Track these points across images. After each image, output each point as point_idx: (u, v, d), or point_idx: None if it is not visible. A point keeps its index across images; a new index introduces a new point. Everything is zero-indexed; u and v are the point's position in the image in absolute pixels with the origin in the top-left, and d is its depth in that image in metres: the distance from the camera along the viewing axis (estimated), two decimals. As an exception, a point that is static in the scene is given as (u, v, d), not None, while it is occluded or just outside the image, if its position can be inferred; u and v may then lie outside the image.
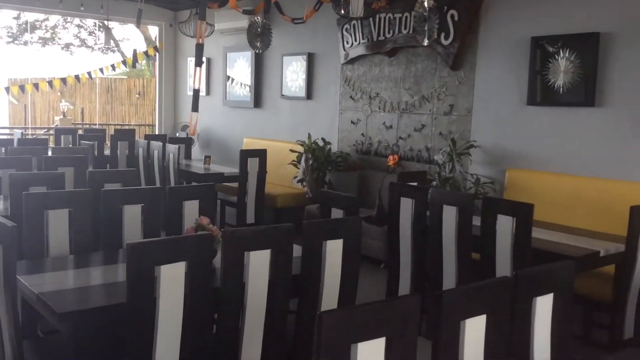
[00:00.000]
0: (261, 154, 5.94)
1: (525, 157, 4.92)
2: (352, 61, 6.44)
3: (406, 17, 5.67)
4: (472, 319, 1.78)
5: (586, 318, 3.75)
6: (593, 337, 3.73)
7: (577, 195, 4.43)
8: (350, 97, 6.51)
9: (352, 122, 6.51)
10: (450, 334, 1.74)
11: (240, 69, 8.07)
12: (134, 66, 8.66)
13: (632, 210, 3.23)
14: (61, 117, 11.44)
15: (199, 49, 5.73)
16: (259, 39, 6.08)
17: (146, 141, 6.56)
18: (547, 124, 4.77)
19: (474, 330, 1.78)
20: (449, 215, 3.61)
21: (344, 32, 6.43)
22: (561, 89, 4.60)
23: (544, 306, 1.99)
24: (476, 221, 3.51)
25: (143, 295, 2.13)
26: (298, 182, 6.28)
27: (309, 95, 7.02)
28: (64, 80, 9.13)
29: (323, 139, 6.43)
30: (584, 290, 3.64)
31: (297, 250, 2.66)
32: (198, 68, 5.83)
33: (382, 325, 1.59)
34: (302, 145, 6.39)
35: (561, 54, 4.58)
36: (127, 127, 12.74)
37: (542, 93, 4.76)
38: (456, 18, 5.24)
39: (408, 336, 1.64)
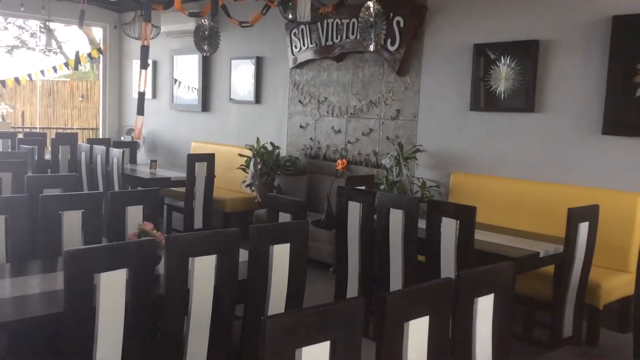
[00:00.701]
0: (209, 159, 5.86)
1: (469, 161, 5.04)
2: (300, 66, 6.45)
3: (353, 22, 5.72)
4: (415, 321, 1.80)
5: (527, 317, 3.86)
6: (534, 336, 3.84)
7: (518, 198, 4.57)
8: (299, 101, 6.51)
9: (300, 126, 6.51)
10: (394, 336, 1.76)
11: (187, 72, 7.95)
12: (76, 68, 8.41)
13: (570, 212, 3.35)
14: (0, 120, 10.99)
15: (144, 51, 5.60)
16: (206, 42, 6.00)
17: (88, 145, 6.38)
18: (489, 129, 4.90)
19: (418, 332, 1.81)
20: (396, 218, 3.66)
21: (293, 37, 6.43)
22: (502, 95, 4.73)
23: (485, 306, 2.04)
24: (422, 224, 3.57)
25: (82, 304, 2.06)
26: (247, 186, 6.24)
27: (258, 99, 6.99)
28: (2, 82, 8.77)
29: (272, 143, 6.41)
30: (525, 290, 3.75)
31: (244, 255, 2.64)
32: (143, 71, 5.71)
33: (326, 329, 1.58)
34: (250, 149, 6.35)
35: (502, 61, 4.72)
36: (69, 131, 12.35)
37: (484, 99, 4.89)
38: (402, 24, 5.33)
39: (352, 339, 1.65)
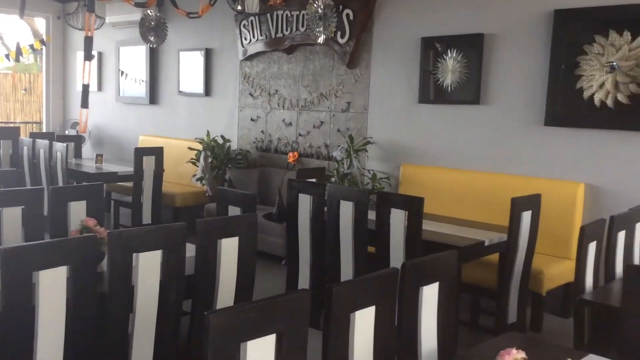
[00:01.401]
0: (157, 152, 5.75)
1: (418, 153, 5.11)
2: (250, 58, 6.39)
3: (303, 14, 5.70)
4: (361, 311, 1.82)
5: (474, 305, 3.95)
6: (480, 323, 3.94)
7: (465, 188, 4.66)
8: (250, 94, 6.46)
9: (251, 119, 6.46)
10: (340, 327, 1.77)
11: (134, 64, 7.76)
12: (17, 60, 8.08)
13: (513, 201, 3.44)
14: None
15: (88, 42, 5.46)
16: (152, 33, 5.89)
17: (31, 139, 6.16)
18: (438, 121, 4.97)
19: (364, 322, 1.83)
20: (346, 210, 3.68)
21: (242, 29, 6.37)
22: (450, 88, 4.81)
23: (430, 294, 2.08)
24: (372, 215, 3.60)
25: (20, 303, 1.99)
26: (197, 180, 6.16)
27: (207, 91, 6.90)
28: (-64, 73, 8.37)
29: (222, 137, 6.34)
30: (471, 279, 3.84)
31: (193, 249, 2.60)
32: (87, 62, 5.56)
33: (272, 323, 1.58)
34: (200, 142, 6.26)
35: (449, 54, 4.79)
36: (12, 125, 11.89)
37: (432, 91, 4.96)
38: (351, 17, 5.34)
39: (298, 331, 1.65)
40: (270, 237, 5.33)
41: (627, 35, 3.88)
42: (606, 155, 4.07)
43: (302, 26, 5.75)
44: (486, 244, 3.52)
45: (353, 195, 3.68)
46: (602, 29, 3.99)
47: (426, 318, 2.07)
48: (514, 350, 1.54)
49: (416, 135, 5.12)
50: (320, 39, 4.57)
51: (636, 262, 3.23)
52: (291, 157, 5.94)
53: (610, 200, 4.01)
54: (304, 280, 3.97)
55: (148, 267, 2.32)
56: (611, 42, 3.95)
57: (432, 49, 4.92)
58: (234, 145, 6.51)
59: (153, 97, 7.57)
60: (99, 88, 8.31)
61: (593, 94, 4.05)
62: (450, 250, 2.20)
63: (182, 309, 2.55)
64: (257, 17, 6.10)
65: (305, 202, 3.90)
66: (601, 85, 4.00)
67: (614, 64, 3.93)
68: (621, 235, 3.02)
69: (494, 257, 3.68)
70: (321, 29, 4.45)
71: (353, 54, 5.42)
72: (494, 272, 3.67)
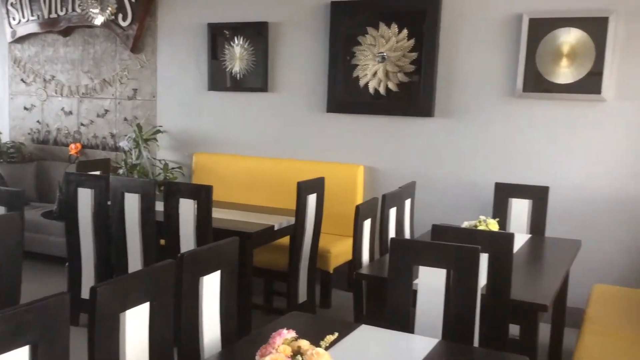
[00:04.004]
0: None
1: (210, 141, 5.05)
2: (21, 40, 5.74)
3: (80, -6, 5.26)
4: (133, 309, 1.71)
5: (267, 288, 4.04)
6: (275, 305, 4.04)
7: (256, 174, 4.72)
8: (22, 80, 5.81)
9: (25, 108, 5.82)
10: (108, 329, 1.65)
11: None
12: None
13: (299, 185, 3.56)
14: None
15: None
16: None
17: None
18: (228, 108, 4.96)
19: (136, 320, 1.73)
20: (131, 202, 3.52)
21: (10, 8, 5.69)
22: (238, 75, 4.82)
23: (211, 283, 2.04)
24: (161, 207, 3.48)
25: None
26: (-41, 178, 5.39)
27: (-31, 77, 6.06)
28: None
29: (-11, 128, 5.63)
30: (264, 263, 3.91)
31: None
32: None
33: (22, 334, 1.41)
34: (-39, 135, 5.49)
35: (236, 42, 4.79)
36: None
37: (221, 79, 4.92)
38: (133, -1, 5.07)
39: (58, 339, 1.50)
40: (52, 238, 4.88)
41: (394, 27, 4.23)
42: (381, 139, 4.41)
43: (79, 6, 5.30)
44: (276, 228, 3.61)
45: (138, 186, 3.52)
46: (373, 21, 4.29)
47: (208, 308, 2.03)
48: (285, 331, 1.56)
49: (207, 123, 5.05)
50: (97, 21, 4.26)
51: (407, 235, 3.56)
52: (73, 148, 5.49)
53: (385, 180, 4.37)
54: (88, 281, 3.70)
55: None
56: (381, 33, 4.27)
57: (219, 35, 4.87)
58: (4, 138, 5.82)
59: None
60: None
61: (368, 82, 4.35)
62: (232, 238, 2.19)
63: None
64: (24, -6, 5.49)
65: (85, 197, 3.63)
66: (374, 74, 4.32)
67: (384, 54, 4.26)
68: (392, 212, 3.29)
69: (285, 240, 3.78)
70: (97, 10, 4.14)
71: (137, 38, 5.15)
72: (285, 254, 3.77)
